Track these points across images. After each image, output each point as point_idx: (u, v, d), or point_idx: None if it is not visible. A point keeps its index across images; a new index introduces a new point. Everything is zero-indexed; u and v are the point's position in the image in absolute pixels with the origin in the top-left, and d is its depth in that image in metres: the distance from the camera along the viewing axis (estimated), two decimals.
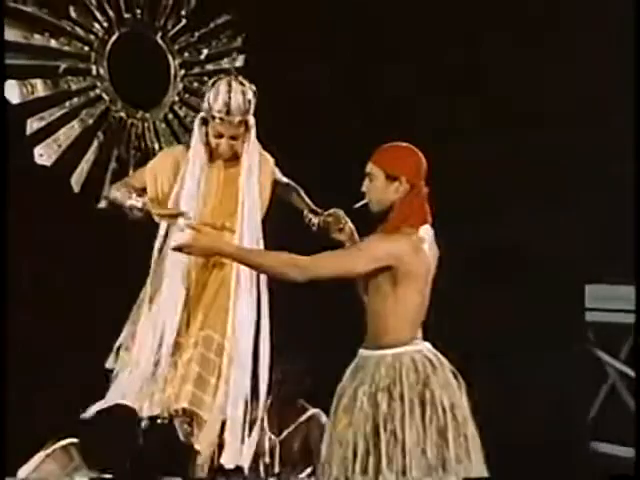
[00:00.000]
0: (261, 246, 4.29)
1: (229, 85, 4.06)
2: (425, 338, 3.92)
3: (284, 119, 5.21)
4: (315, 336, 5.52)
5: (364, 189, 3.91)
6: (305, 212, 4.36)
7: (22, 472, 4.21)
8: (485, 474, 3.81)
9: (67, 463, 4.13)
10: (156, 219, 4.17)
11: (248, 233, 4.21)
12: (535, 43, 6.47)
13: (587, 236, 6.33)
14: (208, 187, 4.19)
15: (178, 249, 3.82)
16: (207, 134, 4.12)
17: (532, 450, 6.03)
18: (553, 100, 6.42)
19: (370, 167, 3.91)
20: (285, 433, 5.10)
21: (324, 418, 4.83)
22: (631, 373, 6.21)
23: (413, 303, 3.84)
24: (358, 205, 3.95)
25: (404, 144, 3.99)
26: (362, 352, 3.90)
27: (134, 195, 4.11)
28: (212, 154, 4.18)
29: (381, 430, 3.74)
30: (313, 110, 6.45)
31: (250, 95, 4.10)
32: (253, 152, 4.17)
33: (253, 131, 4.15)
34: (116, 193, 4.24)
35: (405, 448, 3.71)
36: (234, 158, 4.20)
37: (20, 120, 4.99)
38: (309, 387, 5.21)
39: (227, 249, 3.88)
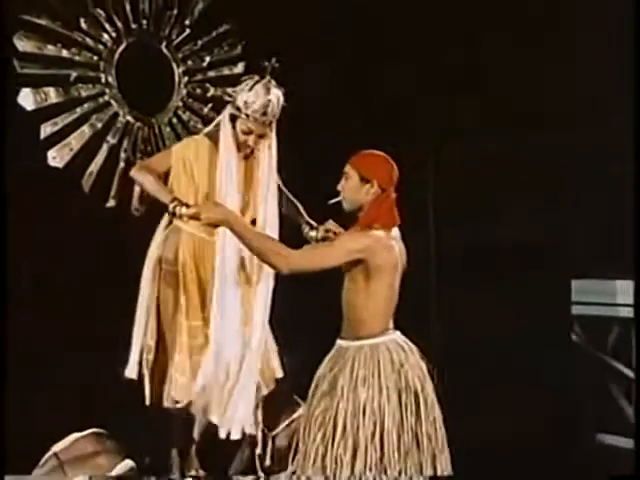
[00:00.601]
0: (276, 235, 4.59)
1: (267, 89, 4.50)
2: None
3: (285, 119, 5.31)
4: (312, 333, 5.56)
5: (339, 187, 4.30)
6: (303, 226, 4.71)
7: (55, 447, 4.53)
8: (447, 454, 4.20)
9: (98, 446, 4.46)
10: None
11: (269, 223, 4.60)
12: (535, 43, 6.46)
13: (587, 235, 6.33)
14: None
15: (191, 217, 4.22)
16: (234, 128, 4.49)
17: (516, 435, 6.07)
18: (553, 100, 6.41)
19: (347, 168, 4.31)
20: (278, 429, 5.25)
21: None
22: (617, 365, 6.26)
23: (384, 296, 4.21)
24: (332, 201, 4.32)
25: (380, 152, 4.34)
26: (340, 342, 4.25)
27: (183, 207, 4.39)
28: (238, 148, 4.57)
29: (360, 415, 4.08)
30: (313, 110, 6.45)
31: (282, 100, 4.54)
32: (274, 148, 4.59)
33: (274, 129, 4.57)
34: (143, 178, 4.60)
35: (383, 430, 4.07)
36: (250, 153, 4.59)
37: (34, 125, 5.24)
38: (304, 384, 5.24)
39: (234, 222, 4.12)
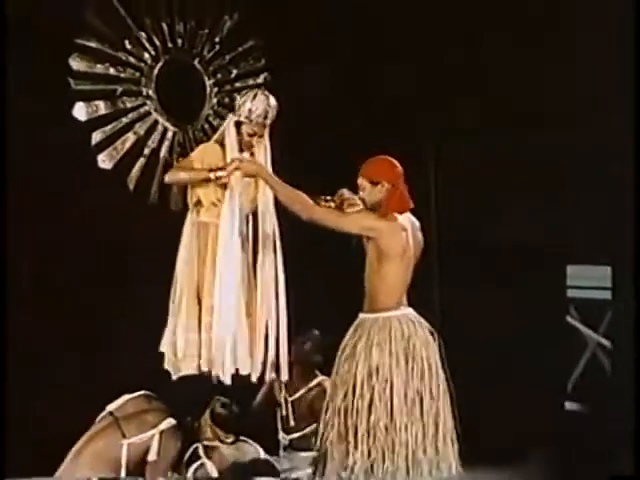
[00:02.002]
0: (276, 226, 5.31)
1: (267, 97, 5.26)
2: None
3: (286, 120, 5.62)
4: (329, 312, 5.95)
5: (359, 197, 5.02)
6: (319, 199, 5.13)
7: (110, 407, 5.08)
8: (449, 411, 4.90)
9: (146, 405, 5.01)
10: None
11: (268, 213, 5.29)
12: (535, 43, 6.45)
13: (587, 235, 6.34)
14: None
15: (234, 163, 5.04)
16: (238, 133, 5.23)
17: (518, 408, 6.26)
18: (553, 100, 6.40)
19: (359, 180, 5.01)
20: (297, 395, 6.00)
21: (326, 383, 5.61)
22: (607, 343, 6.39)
23: (395, 277, 4.92)
24: (357, 210, 5.03)
25: (381, 156, 5.03)
26: (361, 315, 4.98)
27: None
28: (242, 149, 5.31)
29: (374, 374, 4.84)
30: (314, 111, 6.48)
31: (276, 105, 5.29)
32: (268, 146, 5.31)
33: (268, 130, 5.32)
34: (178, 175, 5.25)
35: (393, 389, 4.82)
36: (251, 154, 5.30)
37: (86, 134, 5.94)
38: (322, 358, 5.97)
39: (267, 173, 5.07)
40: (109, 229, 6.04)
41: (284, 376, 5.35)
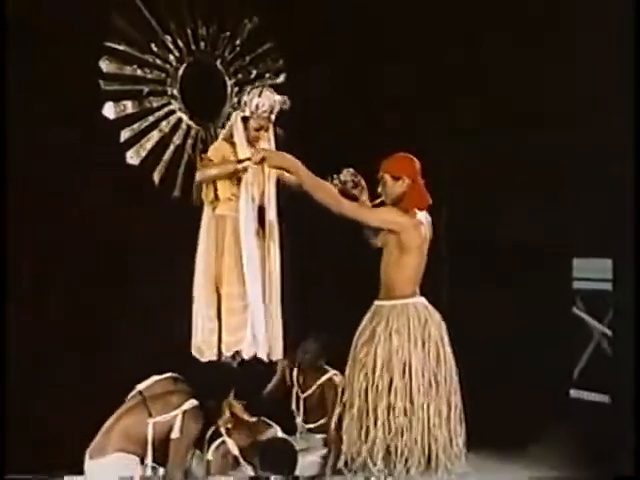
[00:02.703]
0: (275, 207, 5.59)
1: (272, 93, 5.58)
2: None
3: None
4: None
5: (379, 191, 5.38)
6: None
7: (139, 386, 5.34)
8: (459, 394, 5.29)
9: (172, 386, 5.30)
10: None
11: (273, 205, 5.59)
12: (535, 43, 6.46)
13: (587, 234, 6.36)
14: None
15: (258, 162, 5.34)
16: (246, 128, 5.55)
17: (526, 395, 6.37)
18: (553, 100, 6.40)
19: (380, 174, 5.37)
20: (308, 392, 6.17)
21: (337, 378, 5.97)
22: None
23: (413, 267, 5.32)
24: (377, 202, 5.38)
25: (402, 153, 5.37)
26: (377, 302, 5.38)
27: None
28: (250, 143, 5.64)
29: (394, 357, 5.23)
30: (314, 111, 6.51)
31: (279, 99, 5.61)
32: (272, 139, 5.65)
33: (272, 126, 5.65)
34: (209, 172, 5.52)
35: (411, 370, 5.21)
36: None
37: (115, 131, 6.20)
38: (329, 356, 6.16)
39: (298, 166, 5.30)
40: (113, 228, 6.15)
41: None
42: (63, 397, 5.94)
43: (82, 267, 6.19)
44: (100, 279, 6.19)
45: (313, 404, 6.13)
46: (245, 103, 5.57)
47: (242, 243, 5.51)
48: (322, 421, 6.05)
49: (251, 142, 5.59)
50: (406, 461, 5.21)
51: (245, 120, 5.57)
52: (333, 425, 5.58)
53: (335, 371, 6.06)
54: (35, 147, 5.98)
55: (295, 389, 6.19)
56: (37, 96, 5.94)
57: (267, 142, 5.60)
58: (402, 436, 5.21)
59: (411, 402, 5.22)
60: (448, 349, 5.34)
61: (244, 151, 5.52)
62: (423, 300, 5.37)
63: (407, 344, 5.25)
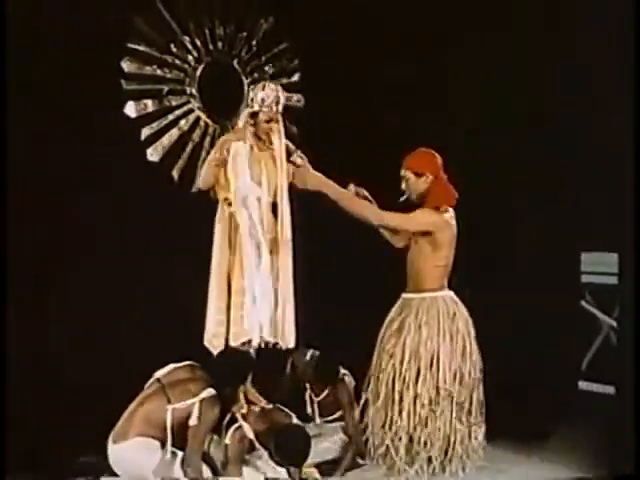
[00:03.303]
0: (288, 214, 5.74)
1: (275, 85, 5.89)
2: None
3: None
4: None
5: (403, 187, 5.61)
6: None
7: (157, 374, 5.50)
8: (481, 387, 5.49)
9: (190, 374, 5.46)
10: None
11: (286, 200, 5.80)
12: (535, 43, 6.46)
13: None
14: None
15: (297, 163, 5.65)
16: (254, 124, 5.82)
17: (534, 386, 6.42)
18: (553, 100, 6.41)
19: (403, 172, 5.59)
20: (322, 395, 6.21)
21: (348, 378, 6.09)
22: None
23: (444, 262, 5.55)
24: (402, 199, 5.61)
25: (423, 149, 5.60)
26: (405, 295, 5.60)
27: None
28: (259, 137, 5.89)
29: (422, 348, 5.42)
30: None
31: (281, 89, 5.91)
32: (282, 129, 5.86)
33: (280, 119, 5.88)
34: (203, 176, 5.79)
35: (439, 362, 5.40)
36: (269, 143, 5.86)
37: (136, 129, 6.36)
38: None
39: (327, 184, 5.59)
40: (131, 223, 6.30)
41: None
42: (64, 397, 5.95)
43: (81, 266, 6.22)
44: (102, 277, 6.23)
45: (327, 404, 6.21)
46: (252, 99, 5.83)
47: (243, 241, 5.70)
48: (337, 414, 6.14)
49: (261, 135, 5.83)
50: (428, 451, 5.41)
51: (254, 116, 5.83)
52: (352, 422, 5.86)
53: (345, 371, 6.14)
54: (35, 147, 6.00)
55: (308, 392, 6.27)
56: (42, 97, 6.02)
57: (277, 133, 5.83)
58: (426, 426, 5.40)
59: (437, 393, 5.40)
60: (474, 344, 5.52)
61: (250, 138, 5.78)
62: (452, 294, 5.58)
63: (436, 337, 5.43)
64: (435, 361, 5.43)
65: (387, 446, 5.48)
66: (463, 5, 6.62)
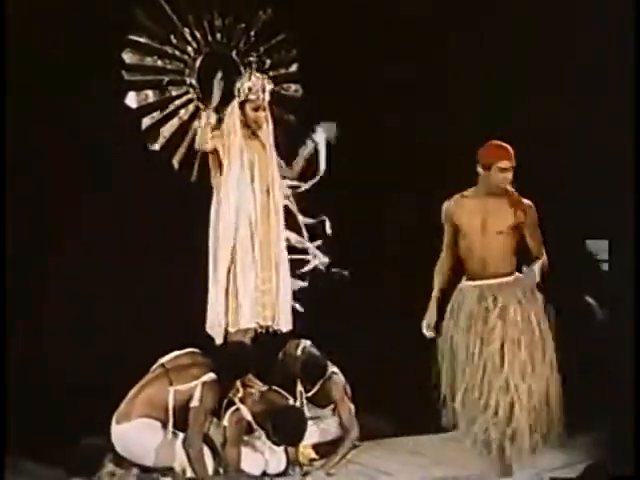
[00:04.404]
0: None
1: (260, 73, 6.15)
2: None
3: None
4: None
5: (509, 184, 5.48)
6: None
7: (162, 359, 5.73)
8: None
9: (192, 360, 5.71)
10: None
11: (278, 186, 6.07)
12: (535, 43, 6.46)
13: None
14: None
15: None
16: (243, 114, 6.04)
17: None
18: (553, 99, 6.41)
19: (506, 164, 5.44)
20: (312, 392, 6.23)
21: (337, 376, 6.15)
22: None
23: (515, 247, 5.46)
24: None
25: (494, 141, 5.45)
26: (465, 283, 5.51)
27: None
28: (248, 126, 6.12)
29: (507, 334, 5.33)
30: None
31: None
32: (269, 116, 6.09)
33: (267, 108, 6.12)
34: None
35: (521, 347, 5.36)
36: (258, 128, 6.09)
37: (137, 119, 6.34)
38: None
39: None
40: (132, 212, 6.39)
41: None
42: (64, 397, 5.95)
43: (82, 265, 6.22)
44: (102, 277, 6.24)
45: (318, 399, 6.24)
46: (239, 90, 6.07)
47: (239, 228, 5.88)
48: (331, 406, 6.20)
49: (250, 124, 6.04)
50: (512, 438, 5.40)
51: (242, 105, 6.07)
52: (345, 415, 5.98)
53: (334, 369, 6.19)
54: (35, 139, 6.03)
55: (299, 388, 6.27)
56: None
57: (265, 121, 6.06)
58: (511, 413, 5.37)
59: (523, 380, 5.38)
60: (544, 326, 5.45)
61: (239, 128, 6.01)
62: (522, 277, 5.45)
63: (521, 323, 5.38)
64: (517, 349, 5.39)
65: (478, 429, 5.44)
66: (463, 5, 6.62)
